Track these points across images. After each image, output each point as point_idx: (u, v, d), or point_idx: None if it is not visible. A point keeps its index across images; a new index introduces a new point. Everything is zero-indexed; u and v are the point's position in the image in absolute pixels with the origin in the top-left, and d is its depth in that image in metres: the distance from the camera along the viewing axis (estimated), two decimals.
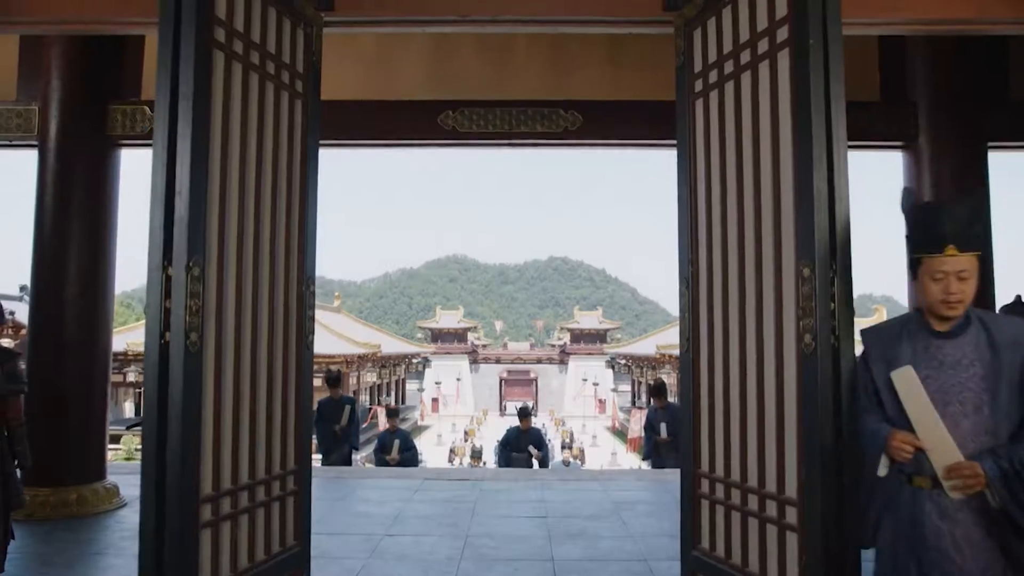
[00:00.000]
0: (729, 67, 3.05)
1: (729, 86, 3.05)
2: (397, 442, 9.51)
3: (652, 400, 9.30)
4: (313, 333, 3.28)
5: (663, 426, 8.49)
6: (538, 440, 9.78)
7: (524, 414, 9.85)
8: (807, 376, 2.48)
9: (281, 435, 3.06)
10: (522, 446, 9.58)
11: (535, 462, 9.58)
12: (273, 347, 3.04)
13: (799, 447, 2.52)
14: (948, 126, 5.92)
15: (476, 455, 11.51)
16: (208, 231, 2.65)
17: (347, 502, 6.18)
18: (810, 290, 2.49)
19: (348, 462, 9.38)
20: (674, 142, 6.48)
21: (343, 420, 9.10)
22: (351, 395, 11.30)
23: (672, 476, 7.47)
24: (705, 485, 3.06)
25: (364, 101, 6.43)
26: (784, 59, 2.70)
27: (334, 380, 9.57)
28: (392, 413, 10.32)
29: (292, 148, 3.26)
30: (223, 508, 2.68)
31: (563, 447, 12.42)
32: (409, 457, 9.57)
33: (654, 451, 8.62)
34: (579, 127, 6.44)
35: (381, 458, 9.52)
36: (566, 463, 11.60)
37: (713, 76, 3.17)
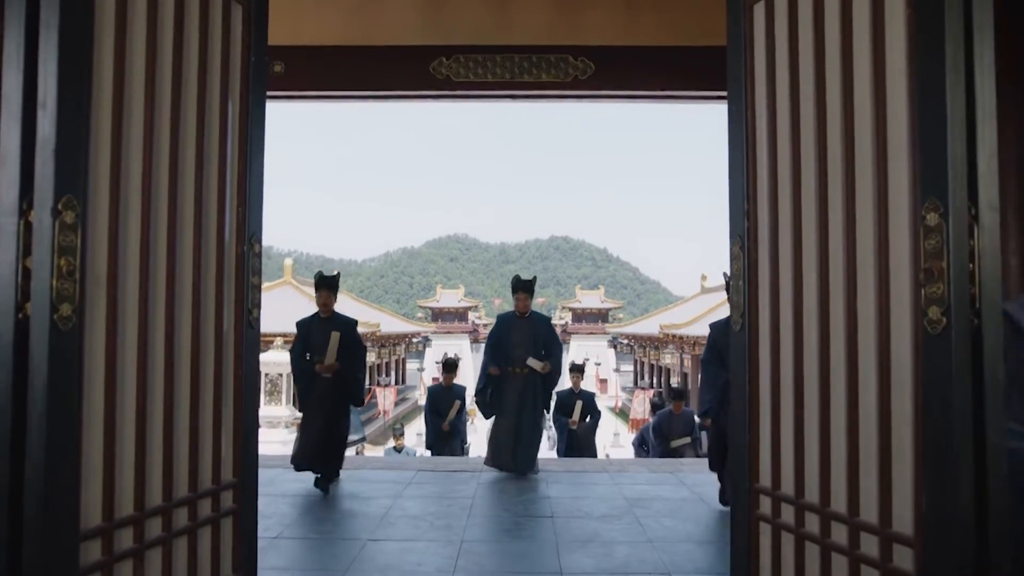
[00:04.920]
0: None
1: None
2: (336, 334, 5.40)
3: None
4: (259, 307, 2.55)
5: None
6: (547, 335, 6.05)
7: (521, 286, 6.01)
8: (933, 365, 1.75)
9: (213, 439, 2.34)
10: (517, 352, 5.93)
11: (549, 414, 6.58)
12: (201, 324, 2.31)
13: (917, 463, 1.80)
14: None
15: (450, 366, 8.46)
16: (95, 164, 1.91)
17: (330, 499, 5.52)
18: (939, 244, 1.75)
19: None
20: (698, 93, 5.83)
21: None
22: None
23: (687, 468, 6.82)
24: (766, 504, 2.35)
25: (346, 47, 5.66)
26: None
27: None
28: (327, 284, 5.65)
29: (229, 68, 2.50)
30: (121, 543, 1.97)
31: (571, 370, 8.59)
32: (354, 365, 5.64)
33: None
34: (590, 76, 5.67)
35: (301, 364, 5.62)
36: (575, 391, 8.68)
37: None
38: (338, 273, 6.06)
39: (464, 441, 8.94)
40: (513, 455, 5.96)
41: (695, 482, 5.97)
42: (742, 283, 2.47)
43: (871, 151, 2.00)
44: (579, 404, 8.49)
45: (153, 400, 2.11)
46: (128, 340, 2.02)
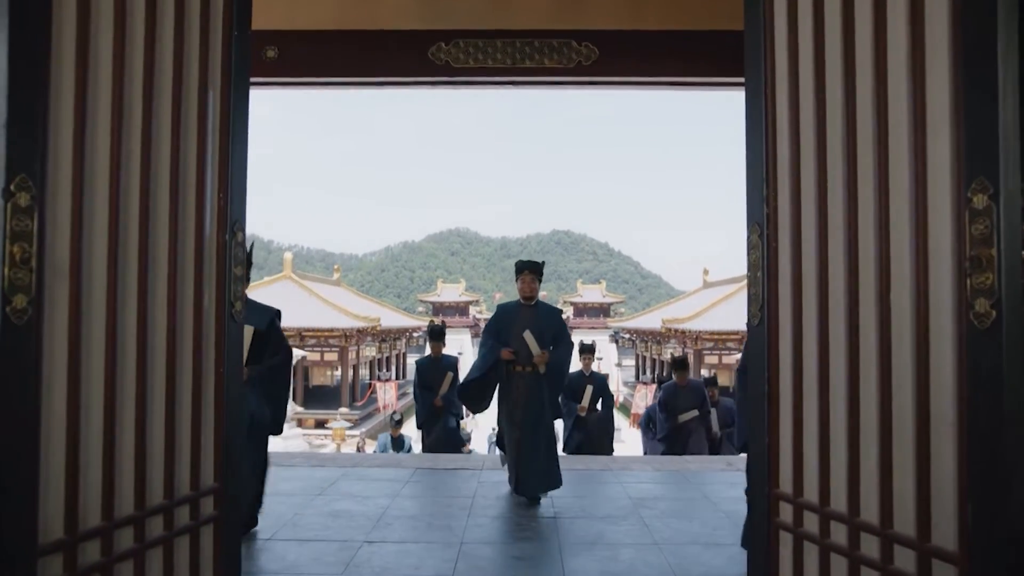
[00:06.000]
0: None
1: None
2: (249, 330, 3.79)
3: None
4: (242, 299, 2.37)
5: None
6: (556, 329, 5.03)
7: (527, 266, 5.07)
8: (981, 362, 1.58)
9: (191, 441, 2.17)
10: (521, 347, 4.81)
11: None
12: (178, 318, 2.13)
13: (961, 471, 1.63)
14: None
15: (436, 334, 7.84)
16: (55, 141, 1.74)
17: (326, 497, 5.36)
18: (987, 229, 1.58)
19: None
20: (706, 79, 5.64)
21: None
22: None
23: (693, 466, 6.65)
24: (787, 512, 2.18)
25: (342, 31, 5.46)
26: None
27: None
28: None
29: (209, 43, 2.31)
30: (86, 557, 1.80)
31: (581, 351, 7.46)
32: (277, 366, 4.19)
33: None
34: (594, 62, 5.46)
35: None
36: (585, 374, 7.59)
37: None
38: (252, 244, 4.12)
39: (460, 417, 7.83)
40: (523, 473, 4.95)
41: (702, 481, 5.81)
42: (761, 273, 2.30)
43: (907, 126, 1.82)
44: (589, 389, 7.41)
45: (123, 400, 1.94)
46: (94, 335, 1.85)
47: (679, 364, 7.79)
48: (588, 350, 7.76)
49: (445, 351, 7.60)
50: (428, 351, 7.80)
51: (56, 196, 1.74)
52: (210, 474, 2.24)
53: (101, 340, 1.87)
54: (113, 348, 1.90)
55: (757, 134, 2.34)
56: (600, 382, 7.70)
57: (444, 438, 7.38)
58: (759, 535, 2.27)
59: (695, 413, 7.40)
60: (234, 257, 2.34)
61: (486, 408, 5.22)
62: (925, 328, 1.75)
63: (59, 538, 1.72)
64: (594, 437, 7.49)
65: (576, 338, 6.95)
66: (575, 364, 7.25)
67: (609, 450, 7.82)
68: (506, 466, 5.12)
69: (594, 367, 7.91)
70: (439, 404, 7.30)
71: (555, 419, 5.30)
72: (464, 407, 5.56)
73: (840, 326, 2.02)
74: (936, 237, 1.73)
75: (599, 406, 7.67)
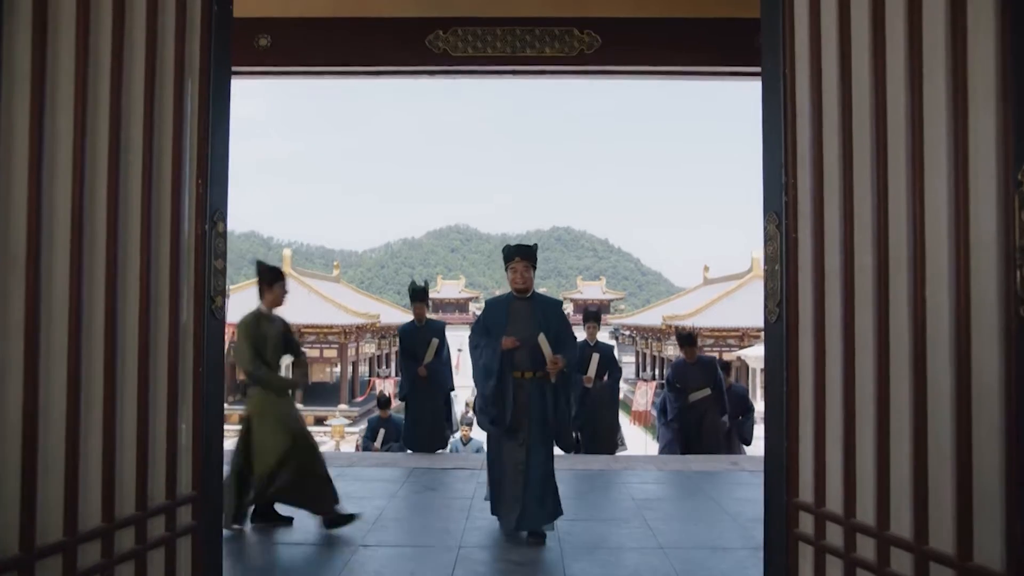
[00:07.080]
0: None
1: None
2: None
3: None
4: (223, 294, 2.21)
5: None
6: (558, 325, 4.21)
7: (516, 252, 4.37)
8: None
9: (167, 447, 2.01)
10: (516, 347, 4.11)
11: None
12: (152, 313, 1.97)
13: (1010, 484, 1.48)
14: None
15: (418, 295, 6.84)
16: (7, 121, 1.58)
17: None
18: None
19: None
20: (712, 68, 5.47)
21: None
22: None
23: (697, 466, 6.50)
24: (807, 523, 2.03)
25: (337, 19, 5.31)
26: None
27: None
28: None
29: (186, 20, 2.15)
30: (45, 575, 1.65)
31: (586, 319, 7.12)
32: None
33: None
34: (597, 50, 5.30)
35: None
36: (590, 343, 6.92)
37: None
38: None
39: (450, 390, 7.01)
40: (527, 503, 4.16)
41: (706, 482, 5.66)
42: (779, 267, 2.14)
43: (946, 102, 1.66)
44: (595, 358, 6.75)
45: (90, 402, 1.78)
46: (55, 330, 1.69)
47: (686, 339, 6.99)
48: (593, 318, 7.09)
49: (446, 349, 6.90)
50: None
51: (10, 179, 1.59)
52: (188, 481, 2.08)
53: (62, 337, 1.71)
54: (77, 345, 1.74)
55: (775, 116, 2.18)
56: (606, 351, 7.00)
57: (428, 416, 6.75)
58: (776, 547, 2.11)
59: (707, 392, 6.86)
60: (215, 249, 2.18)
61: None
62: (966, 325, 1.59)
63: (14, 555, 1.57)
64: (598, 409, 6.91)
65: (577, 334, 6.42)
66: (579, 334, 6.58)
67: (615, 424, 7.27)
68: (489, 499, 4.41)
69: (593, 363, 7.40)
70: (423, 374, 6.58)
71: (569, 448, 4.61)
72: (482, 420, 4.39)
73: (868, 323, 1.86)
74: (979, 225, 1.58)
75: (606, 378, 7.02)
